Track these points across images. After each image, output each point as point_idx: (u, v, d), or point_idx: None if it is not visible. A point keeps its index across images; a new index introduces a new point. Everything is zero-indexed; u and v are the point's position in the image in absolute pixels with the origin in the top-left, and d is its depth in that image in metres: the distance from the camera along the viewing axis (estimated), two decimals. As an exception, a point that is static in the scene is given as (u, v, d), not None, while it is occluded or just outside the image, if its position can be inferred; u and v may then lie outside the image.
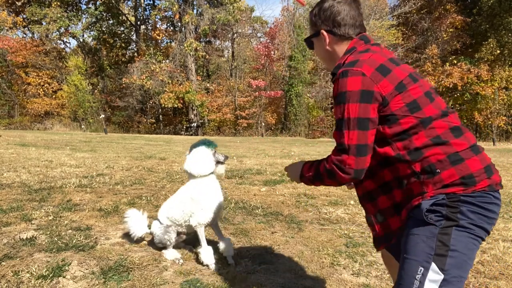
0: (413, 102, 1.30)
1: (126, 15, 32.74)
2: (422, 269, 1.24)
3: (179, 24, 29.48)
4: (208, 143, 2.63)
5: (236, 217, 3.85)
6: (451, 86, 24.05)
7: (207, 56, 30.46)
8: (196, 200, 2.57)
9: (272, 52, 29.45)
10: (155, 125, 31.61)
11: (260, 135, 26.46)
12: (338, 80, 1.32)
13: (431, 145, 1.29)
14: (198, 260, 2.69)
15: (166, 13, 30.21)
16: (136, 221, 2.86)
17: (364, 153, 1.31)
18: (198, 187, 2.57)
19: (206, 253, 2.58)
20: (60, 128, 25.91)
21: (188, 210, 2.60)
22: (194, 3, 29.43)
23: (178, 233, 2.77)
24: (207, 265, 2.59)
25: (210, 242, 2.74)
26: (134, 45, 34.08)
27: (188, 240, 2.98)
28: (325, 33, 1.49)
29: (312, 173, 1.45)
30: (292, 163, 1.63)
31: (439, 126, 1.31)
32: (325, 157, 1.44)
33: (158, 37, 33.62)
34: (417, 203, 1.31)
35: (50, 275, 2.35)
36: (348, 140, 1.30)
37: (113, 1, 29.63)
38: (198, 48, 28.09)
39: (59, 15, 27.59)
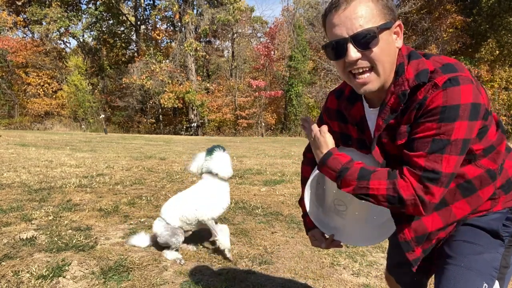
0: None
1: (126, 15, 32.74)
2: (487, 285, 1.08)
3: (179, 24, 29.48)
4: (223, 148, 2.95)
5: (236, 217, 3.85)
6: (451, 86, 24.03)
7: (207, 56, 30.48)
8: (217, 197, 2.81)
9: (272, 52, 29.46)
10: (155, 125, 31.62)
11: (260, 135, 26.46)
12: (447, 90, 0.97)
13: (506, 159, 1.16)
14: (198, 260, 2.69)
15: (166, 13, 30.23)
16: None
17: (449, 184, 1.03)
18: (218, 185, 2.84)
19: (224, 237, 2.74)
20: (60, 128, 25.91)
21: (203, 207, 2.77)
22: (194, 3, 29.44)
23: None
24: (224, 250, 2.75)
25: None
26: (134, 45, 34.10)
27: (188, 239, 2.98)
28: (402, 25, 1.09)
29: (353, 191, 1.08)
30: (314, 141, 1.24)
31: (502, 138, 1.16)
32: (375, 168, 1.08)
33: (158, 37, 33.63)
34: (481, 214, 1.15)
35: (50, 275, 2.35)
36: (445, 167, 0.99)
37: (113, 1, 29.63)
38: (198, 48, 28.10)
39: (59, 15, 27.61)
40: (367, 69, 1.05)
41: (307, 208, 1.32)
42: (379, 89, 1.09)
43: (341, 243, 1.43)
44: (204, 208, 2.76)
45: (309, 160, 1.49)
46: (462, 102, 0.97)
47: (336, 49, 1.05)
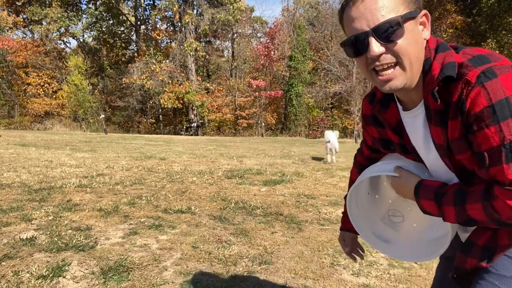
0: None
1: (126, 15, 32.76)
2: None
3: (179, 24, 29.49)
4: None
5: (236, 217, 3.85)
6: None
7: (207, 56, 30.49)
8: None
9: (272, 52, 29.47)
10: (155, 125, 31.63)
11: (260, 135, 26.47)
12: (484, 86, 0.84)
13: None
14: (198, 260, 2.70)
15: (166, 13, 30.24)
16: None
17: None
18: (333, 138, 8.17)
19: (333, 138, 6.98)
20: (60, 128, 25.92)
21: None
22: (194, 3, 29.45)
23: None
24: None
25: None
26: (134, 45, 34.12)
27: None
28: (429, 15, 0.97)
29: (455, 219, 0.96)
30: (399, 183, 1.11)
31: None
32: (461, 191, 0.95)
33: (158, 37, 33.64)
34: None
35: (50, 275, 2.35)
36: None
37: (113, 1, 29.65)
38: (198, 48, 28.11)
39: (59, 15, 27.62)
40: (392, 64, 0.93)
41: (350, 217, 1.27)
42: (407, 87, 0.97)
43: (363, 256, 1.40)
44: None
45: (357, 164, 1.43)
46: (509, 93, 0.83)
47: (356, 44, 0.94)
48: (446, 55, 0.93)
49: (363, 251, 1.47)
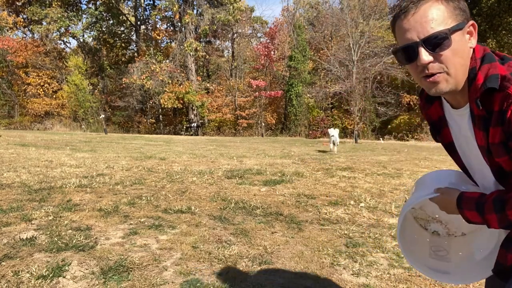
0: None
1: (126, 15, 32.76)
2: None
3: (179, 24, 29.50)
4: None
5: (236, 217, 3.85)
6: (451, 86, 24.07)
7: (207, 56, 30.51)
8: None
9: (272, 52, 29.48)
10: (155, 125, 31.65)
11: (260, 135, 26.47)
12: None
13: None
14: (198, 260, 2.70)
15: (166, 13, 30.27)
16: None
17: None
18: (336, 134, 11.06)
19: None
20: (60, 128, 25.93)
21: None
22: (194, 3, 29.47)
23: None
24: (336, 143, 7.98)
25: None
26: (134, 45, 34.13)
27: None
28: (476, 25, 1.06)
29: (498, 225, 1.03)
30: (442, 200, 1.18)
31: None
32: (500, 197, 1.03)
33: (158, 37, 33.66)
34: None
35: (50, 275, 2.35)
36: None
37: (113, 1, 29.66)
38: (198, 48, 28.13)
39: (59, 15, 27.63)
40: (440, 72, 1.03)
41: (405, 256, 1.34)
42: (452, 92, 1.06)
43: None
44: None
45: None
46: None
47: (408, 53, 1.04)
48: (491, 67, 1.01)
49: None
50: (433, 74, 1.03)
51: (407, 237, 1.38)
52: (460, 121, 1.13)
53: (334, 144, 11.12)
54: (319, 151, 11.87)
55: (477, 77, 1.02)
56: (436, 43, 0.99)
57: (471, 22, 1.04)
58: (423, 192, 1.24)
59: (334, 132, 11.20)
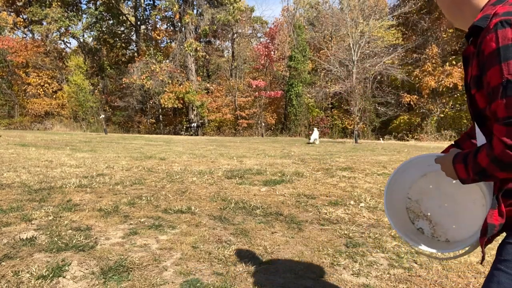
0: None
1: (126, 15, 32.76)
2: None
3: (179, 24, 29.50)
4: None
5: (236, 217, 3.85)
6: (451, 86, 24.08)
7: (207, 56, 30.50)
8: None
9: (272, 52, 29.48)
10: (155, 125, 31.65)
11: (260, 135, 26.47)
12: (497, 32, 0.98)
13: None
14: (198, 260, 2.70)
15: (166, 13, 30.27)
16: None
17: None
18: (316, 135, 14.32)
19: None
20: (60, 128, 25.93)
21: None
22: (194, 3, 29.47)
23: None
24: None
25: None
26: (134, 45, 34.13)
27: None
28: None
29: (473, 174, 1.05)
30: (443, 158, 1.21)
31: None
32: (475, 147, 1.08)
33: (158, 37, 33.66)
34: None
35: (50, 275, 2.35)
36: None
37: (113, 1, 29.66)
38: (198, 48, 28.12)
39: (59, 15, 27.64)
40: None
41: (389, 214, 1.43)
42: (463, 27, 1.20)
43: None
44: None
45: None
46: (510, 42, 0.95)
47: None
48: (490, 8, 1.08)
49: None
50: None
51: (394, 210, 1.42)
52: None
53: (314, 142, 13.64)
54: (308, 143, 14.57)
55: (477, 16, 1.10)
56: None
57: None
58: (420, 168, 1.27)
59: (315, 133, 14.18)
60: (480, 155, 1.01)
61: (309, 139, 14.67)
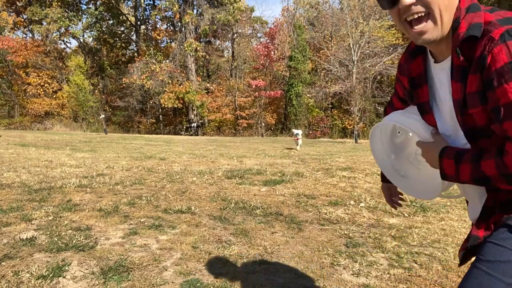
0: None
1: (126, 15, 32.76)
2: None
3: (179, 24, 29.51)
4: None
5: (236, 217, 3.85)
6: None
7: (207, 56, 30.50)
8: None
9: (272, 52, 29.48)
10: (155, 125, 31.66)
11: (260, 135, 26.47)
12: (507, 43, 0.89)
13: None
14: (198, 260, 2.70)
15: (166, 13, 30.29)
16: None
17: None
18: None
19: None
20: (60, 128, 25.94)
21: None
22: (194, 3, 29.47)
23: None
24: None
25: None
26: (134, 45, 34.13)
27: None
28: None
29: (470, 178, 1.01)
30: (426, 145, 1.16)
31: None
32: (479, 151, 1.01)
33: (158, 37, 33.66)
34: None
35: (50, 275, 2.35)
36: None
37: (113, 1, 29.67)
38: (198, 48, 28.13)
39: (59, 15, 27.64)
40: (423, 14, 1.00)
41: (372, 149, 1.41)
42: (439, 41, 1.04)
43: (401, 204, 1.56)
44: None
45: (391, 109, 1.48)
46: None
47: None
48: (475, 16, 0.98)
49: (402, 200, 1.59)
50: (417, 20, 1.01)
51: (388, 134, 1.44)
52: (442, 75, 1.10)
53: (297, 144, 12.40)
54: (288, 148, 12.94)
55: (460, 25, 0.99)
56: None
57: None
58: (420, 124, 1.23)
59: (298, 132, 12.78)
60: (485, 163, 0.96)
61: (297, 144, 12.84)
